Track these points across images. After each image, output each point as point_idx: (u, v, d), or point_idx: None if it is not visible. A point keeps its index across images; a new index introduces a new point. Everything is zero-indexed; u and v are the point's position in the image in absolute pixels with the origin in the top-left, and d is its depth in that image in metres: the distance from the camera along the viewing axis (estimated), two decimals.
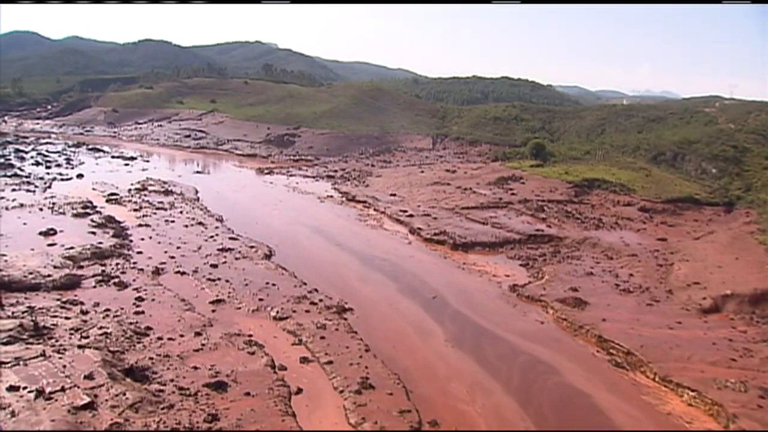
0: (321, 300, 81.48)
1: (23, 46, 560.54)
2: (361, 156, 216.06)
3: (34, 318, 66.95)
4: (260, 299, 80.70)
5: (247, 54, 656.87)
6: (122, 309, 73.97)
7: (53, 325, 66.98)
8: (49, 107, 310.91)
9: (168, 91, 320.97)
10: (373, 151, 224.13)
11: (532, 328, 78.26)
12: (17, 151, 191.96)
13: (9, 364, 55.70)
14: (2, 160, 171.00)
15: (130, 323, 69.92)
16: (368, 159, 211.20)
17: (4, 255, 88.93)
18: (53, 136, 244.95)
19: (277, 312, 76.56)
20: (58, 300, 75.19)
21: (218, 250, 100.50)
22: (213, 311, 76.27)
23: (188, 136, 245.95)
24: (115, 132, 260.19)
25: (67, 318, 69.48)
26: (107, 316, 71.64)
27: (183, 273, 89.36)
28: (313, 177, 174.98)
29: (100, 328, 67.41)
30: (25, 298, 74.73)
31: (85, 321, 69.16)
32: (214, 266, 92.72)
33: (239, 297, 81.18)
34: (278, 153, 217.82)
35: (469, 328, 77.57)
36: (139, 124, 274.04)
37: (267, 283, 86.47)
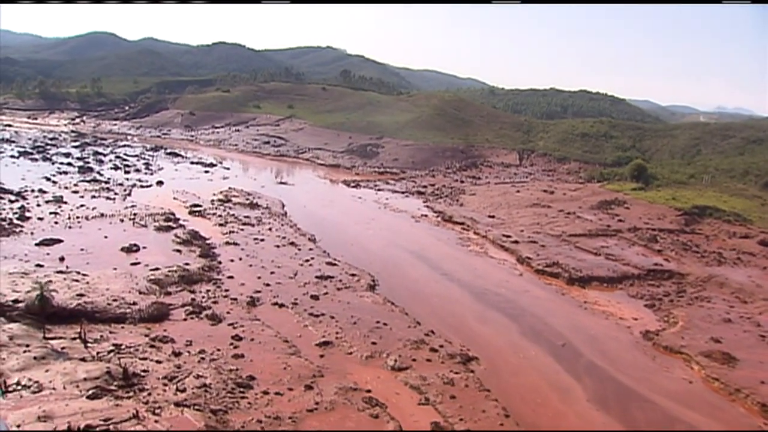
0: (441, 346, 70.53)
1: (101, 47, 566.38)
2: (447, 170, 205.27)
3: (122, 364, 56.99)
4: (373, 342, 70.22)
5: (318, 59, 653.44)
6: (219, 350, 64.07)
7: (144, 371, 57.23)
8: (127, 108, 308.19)
9: (245, 95, 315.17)
10: (459, 165, 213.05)
11: (680, 389, 66.85)
12: (96, 153, 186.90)
13: (97, 429, 45.87)
14: (82, 164, 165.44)
15: (230, 370, 59.79)
16: (455, 174, 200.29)
17: (86, 275, 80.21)
18: (131, 138, 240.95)
19: (395, 360, 65.88)
20: (146, 335, 65.65)
21: (317, 277, 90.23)
22: (321, 356, 65.95)
23: (267, 142, 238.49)
24: (192, 136, 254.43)
25: (158, 361, 59.60)
26: (203, 359, 61.65)
27: (281, 305, 79.27)
28: (403, 192, 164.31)
29: (197, 377, 57.40)
30: (110, 333, 65.48)
31: (179, 366, 59.14)
32: (315, 298, 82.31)
33: (349, 339, 70.68)
34: (362, 164, 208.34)
35: (610, 385, 66.58)
36: (217, 128, 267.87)
37: (377, 322, 75.83)
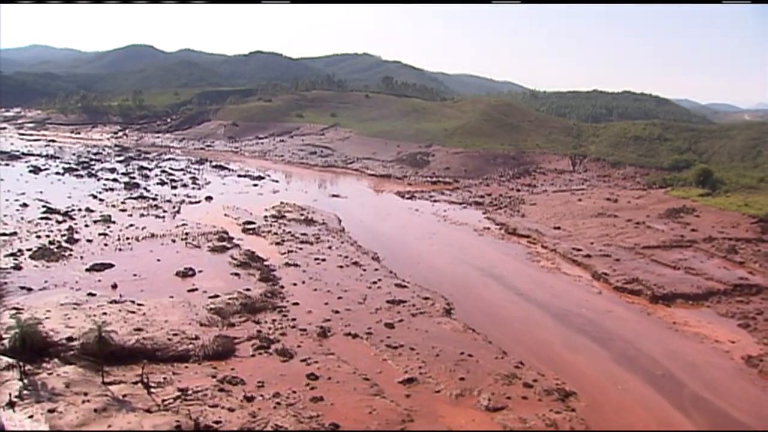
0: (535, 380, 63.29)
1: (140, 59, 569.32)
2: (501, 179, 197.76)
3: (192, 415, 50.35)
4: (461, 378, 62.96)
5: (355, 66, 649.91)
6: (294, 393, 57.39)
7: (216, 422, 50.74)
8: (169, 120, 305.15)
9: (287, 104, 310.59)
10: (512, 173, 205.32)
11: None
12: (141, 168, 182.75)
13: None
14: (127, 180, 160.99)
15: (311, 417, 53.17)
16: (510, 182, 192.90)
17: (142, 305, 74.13)
18: (174, 151, 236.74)
19: (488, 399, 58.79)
20: (213, 376, 58.97)
21: (388, 302, 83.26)
22: (407, 396, 58.87)
23: (314, 153, 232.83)
24: (236, 147, 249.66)
25: (230, 409, 52.90)
26: (279, 404, 54.97)
27: (355, 335, 72.42)
28: (460, 203, 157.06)
29: (276, 428, 50.49)
30: (174, 374, 58.95)
31: (254, 415, 52.45)
32: (390, 326, 75.32)
33: (434, 374, 63.58)
34: (413, 174, 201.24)
35: (723, 422, 59.43)
36: (260, 138, 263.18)
37: (462, 354, 68.63)
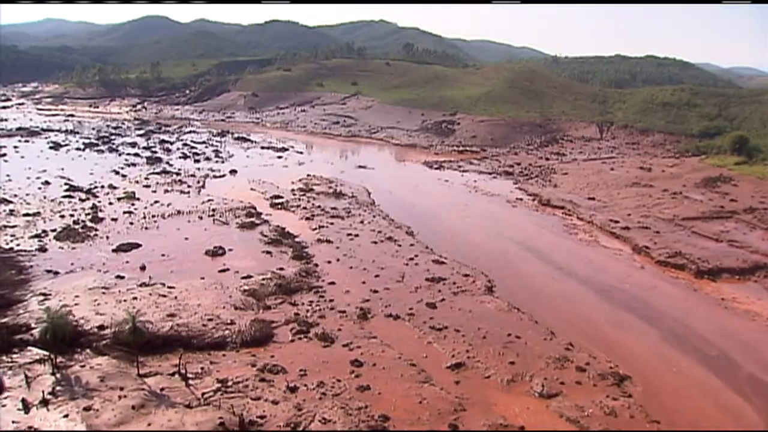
0: (588, 363, 59.71)
1: (155, 30, 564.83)
2: (529, 147, 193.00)
3: (235, 409, 47.15)
4: (511, 362, 59.50)
5: (372, 33, 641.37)
6: (339, 381, 54.06)
7: (260, 417, 47.68)
8: (187, 92, 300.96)
9: (307, 73, 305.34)
10: (540, 141, 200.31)
11: None
12: (162, 142, 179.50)
13: None
14: (149, 154, 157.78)
15: (359, 408, 49.89)
16: (538, 150, 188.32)
17: (172, 288, 70.98)
18: (194, 123, 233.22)
19: (542, 385, 55.37)
20: (252, 365, 55.78)
21: (427, 280, 79.63)
22: (456, 382, 55.50)
23: (336, 122, 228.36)
24: (257, 118, 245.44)
25: (274, 402, 49.76)
26: (324, 395, 51.66)
27: (396, 317, 68.95)
28: (490, 173, 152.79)
29: (324, 421, 47.48)
30: (212, 363, 55.73)
31: (300, 408, 49.25)
32: (432, 306, 71.77)
33: (482, 358, 60.15)
34: (439, 143, 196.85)
35: None
36: (281, 108, 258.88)
37: (509, 335, 65.12)
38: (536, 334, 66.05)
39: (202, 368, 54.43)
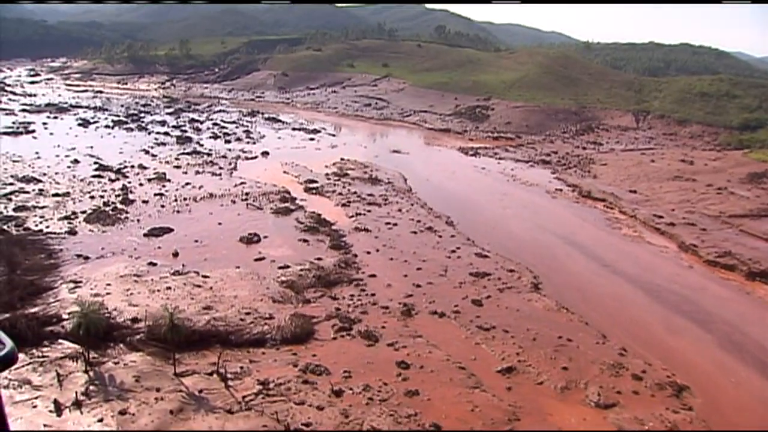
0: (644, 371, 55.96)
1: (183, 7, 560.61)
2: (564, 135, 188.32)
3: (279, 415, 43.91)
4: (563, 367, 55.97)
5: (400, 14, 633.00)
6: (386, 385, 50.81)
7: (306, 425, 44.42)
8: (217, 70, 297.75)
9: (337, 54, 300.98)
10: (575, 129, 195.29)
11: None
12: (192, 121, 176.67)
13: None
14: (179, 133, 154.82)
15: (409, 416, 46.83)
16: (573, 139, 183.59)
17: (207, 277, 67.92)
18: (223, 102, 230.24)
19: (598, 395, 51.79)
20: (294, 365, 52.63)
21: (471, 274, 76.11)
22: (508, 388, 52.03)
23: (368, 104, 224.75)
24: (287, 98, 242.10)
25: (319, 408, 46.63)
26: (371, 400, 48.45)
27: (441, 314, 65.49)
28: (526, 162, 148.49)
29: (372, 428, 43.91)
30: (251, 362, 52.59)
31: (346, 414, 46.06)
32: (478, 304, 68.23)
33: (533, 362, 56.64)
34: (473, 128, 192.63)
35: None
36: (311, 89, 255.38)
37: (559, 338, 61.46)
38: (588, 336, 62.32)
39: (241, 367, 51.27)
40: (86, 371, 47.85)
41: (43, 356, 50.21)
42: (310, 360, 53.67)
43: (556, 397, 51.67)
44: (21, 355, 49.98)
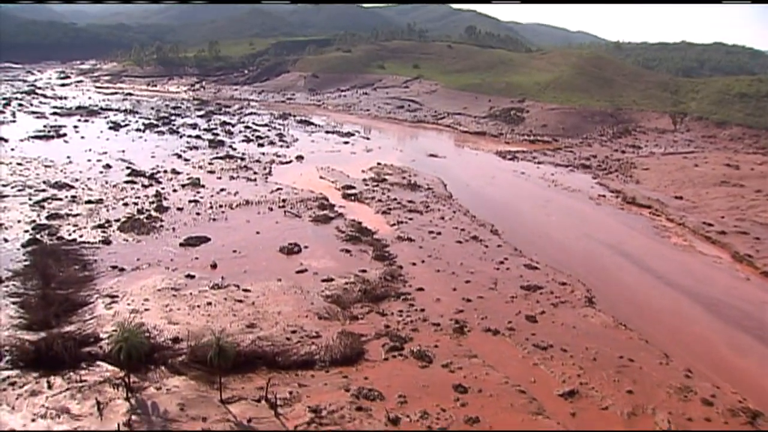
0: (713, 395, 52.11)
1: (210, 9, 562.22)
2: (602, 138, 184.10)
3: None
4: (628, 390, 52.13)
5: (427, 15, 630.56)
6: (443, 411, 47.39)
7: None
8: (246, 72, 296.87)
9: (367, 55, 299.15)
10: (612, 132, 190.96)
11: None
12: (224, 124, 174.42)
13: None
14: (211, 137, 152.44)
15: None
16: (611, 142, 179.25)
17: (248, 291, 64.78)
18: (254, 104, 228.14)
19: (668, 422, 48.05)
20: (346, 389, 49.21)
21: (522, 288, 72.40)
22: (572, 414, 48.49)
23: (401, 107, 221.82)
24: (318, 100, 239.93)
25: None
26: (430, 429, 45.49)
27: (495, 332, 61.76)
28: (566, 166, 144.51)
29: None
30: (300, 386, 49.24)
31: None
32: (532, 320, 64.55)
33: (596, 385, 52.79)
34: (509, 131, 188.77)
35: None
36: (342, 91, 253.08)
37: (620, 357, 57.50)
38: (650, 356, 58.37)
39: (290, 393, 47.89)
40: (127, 398, 44.76)
41: (81, 381, 47.18)
42: (362, 383, 50.24)
43: (623, 424, 48.14)
44: (58, 380, 47.16)
